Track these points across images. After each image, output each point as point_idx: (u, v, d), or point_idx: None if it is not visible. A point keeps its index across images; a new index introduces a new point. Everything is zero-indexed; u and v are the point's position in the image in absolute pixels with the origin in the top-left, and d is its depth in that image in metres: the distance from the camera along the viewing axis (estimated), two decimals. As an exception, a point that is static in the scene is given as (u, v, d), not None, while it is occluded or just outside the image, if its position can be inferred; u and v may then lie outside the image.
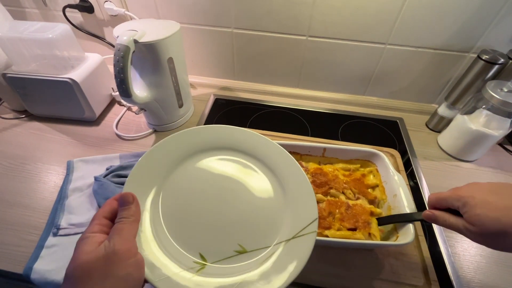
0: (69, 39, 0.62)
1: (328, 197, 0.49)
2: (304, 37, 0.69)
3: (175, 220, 0.33)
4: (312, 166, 0.53)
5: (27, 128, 0.68)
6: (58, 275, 0.44)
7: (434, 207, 0.37)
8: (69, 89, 0.62)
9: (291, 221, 0.34)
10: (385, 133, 0.72)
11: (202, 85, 0.84)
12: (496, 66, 0.58)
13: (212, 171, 0.37)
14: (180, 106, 0.67)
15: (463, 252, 0.50)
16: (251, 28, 0.70)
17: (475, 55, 0.61)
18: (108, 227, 0.27)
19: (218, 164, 0.38)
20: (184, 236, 0.32)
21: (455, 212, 0.34)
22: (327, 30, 0.67)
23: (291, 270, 0.31)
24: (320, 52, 0.71)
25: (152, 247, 0.30)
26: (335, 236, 0.43)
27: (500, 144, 0.69)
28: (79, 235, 0.46)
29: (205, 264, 0.31)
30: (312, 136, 0.69)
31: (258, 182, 0.37)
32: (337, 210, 0.47)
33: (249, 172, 0.38)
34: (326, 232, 0.44)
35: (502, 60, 0.57)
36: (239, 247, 0.33)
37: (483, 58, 0.58)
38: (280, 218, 0.35)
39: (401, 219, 0.43)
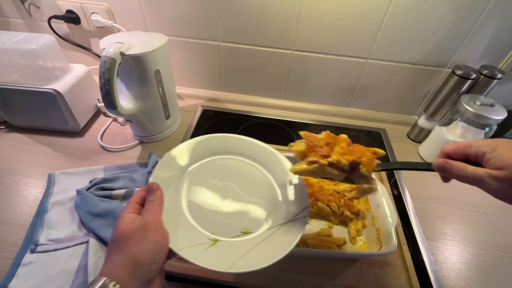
0: (53, 50, 0.61)
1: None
2: (290, 51, 0.71)
3: (193, 206, 0.41)
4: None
5: (7, 139, 0.66)
6: (35, 294, 0.42)
7: (448, 155, 0.33)
8: (53, 100, 0.61)
9: (286, 208, 0.42)
10: (369, 143, 0.74)
11: (189, 96, 0.84)
12: (469, 81, 0.62)
13: (223, 169, 0.46)
14: (167, 117, 0.67)
15: (444, 260, 0.51)
16: (238, 42, 0.72)
17: (450, 70, 0.64)
18: (139, 210, 0.34)
19: (228, 162, 0.47)
20: (200, 218, 0.39)
21: (470, 163, 0.31)
22: (311, 44, 0.69)
23: (289, 243, 0.37)
24: (306, 65, 0.74)
25: (174, 225, 0.36)
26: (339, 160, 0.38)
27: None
28: (59, 252, 0.46)
29: (217, 240, 0.37)
30: (298, 147, 0.70)
31: (260, 178, 0.46)
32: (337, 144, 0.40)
33: (253, 169, 0.47)
34: (324, 160, 0.37)
35: (474, 75, 0.61)
36: (244, 229, 0.40)
37: (457, 73, 0.62)
38: (277, 206, 0.43)
39: (405, 166, 0.38)
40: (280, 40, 0.69)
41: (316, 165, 0.37)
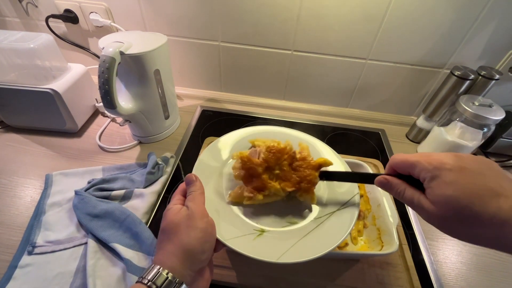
0: (51, 49, 0.60)
1: (272, 142, 0.41)
2: (289, 52, 0.71)
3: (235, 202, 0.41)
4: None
5: (3, 140, 0.65)
6: (32, 297, 0.41)
7: (394, 170, 0.32)
8: (50, 99, 0.60)
9: (334, 197, 0.42)
10: (368, 144, 0.74)
11: (189, 96, 0.84)
12: (468, 82, 0.62)
13: None
14: (166, 117, 0.67)
15: (444, 260, 0.51)
16: (237, 42, 0.71)
17: (448, 71, 0.65)
18: (183, 201, 0.35)
19: None
20: (244, 209, 0.40)
21: (415, 180, 0.29)
22: (311, 45, 0.69)
23: (339, 233, 0.36)
24: (305, 66, 0.74)
25: (220, 217, 0.37)
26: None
27: (475, 154, 0.73)
28: (57, 253, 0.46)
29: (263, 231, 0.37)
30: (298, 147, 0.70)
31: None
32: (278, 164, 0.40)
33: None
34: (260, 196, 0.38)
35: (472, 76, 0.61)
36: (291, 219, 0.39)
37: (455, 74, 0.62)
38: (324, 195, 0.43)
39: (350, 178, 0.39)
40: (279, 40, 0.69)
41: (252, 200, 0.39)
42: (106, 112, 0.70)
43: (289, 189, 0.39)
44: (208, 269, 0.33)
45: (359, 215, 0.47)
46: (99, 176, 0.58)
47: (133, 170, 0.60)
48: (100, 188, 0.53)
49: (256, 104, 0.83)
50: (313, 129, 0.77)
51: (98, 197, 0.51)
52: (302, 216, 0.40)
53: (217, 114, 0.79)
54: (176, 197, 0.36)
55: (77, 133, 0.68)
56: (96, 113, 0.74)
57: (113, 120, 0.73)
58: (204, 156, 0.44)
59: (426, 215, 0.28)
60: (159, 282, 0.27)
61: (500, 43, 0.63)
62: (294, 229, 0.38)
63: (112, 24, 0.70)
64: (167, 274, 0.28)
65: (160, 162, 0.59)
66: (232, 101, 0.83)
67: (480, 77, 0.62)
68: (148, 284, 0.27)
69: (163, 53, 0.58)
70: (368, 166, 0.55)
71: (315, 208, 0.41)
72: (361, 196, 0.53)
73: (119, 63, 0.51)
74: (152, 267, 0.28)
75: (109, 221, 0.48)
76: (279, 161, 0.40)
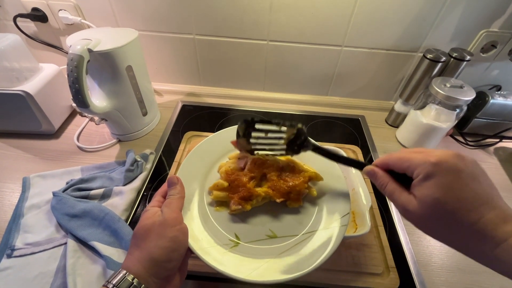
0: (19, 50, 0.59)
1: (258, 155, 0.41)
2: (265, 42, 0.71)
3: (218, 203, 0.40)
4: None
5: (-22, 145, 0.64)
6: (12, 299, 0.41)
7: (388, 165, 0.31)
8: (23, 101, 0.59)
9: (322, 214, 0.39)
10: (348, 131, 0.75)
11: (168, 92, 0.83)
12: (440, 64, 0.63)
13: None
14: (144, 114, 0.66)
15: (419, 239, 0.53)
16: (212, 34, 0.71)
17: (422, 55, 0.66)
18: (162, 203, 0.34)
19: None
20: (223, 219, 0.38)
21: (403, 177, 0.29)
22: (285, 34, 0.69)
23: (319, 257, 0.34)
24: (282, 56, 0.74)
25: (196, 224, 0.37)
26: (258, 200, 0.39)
27: (451, 135, 0.75)
28: (36, 255, 0.46)
29: (239, 243, 0.36)
30: (278, 137, 0.71)
31: None
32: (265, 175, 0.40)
33: None
34: (247, 205, 0.38)
35: (444, 58, 0.62)
36: (270, 232, 0.38)
37: (428, 57, 0.63)
38: (311, 211, 0.40)
39: (342, 161, 0.37)
40: (254, 31, 0.69)
41: (240, 209, 0.38)
42: (82, 112, 0.69)
43: (278, 200, 0.39)
44: (178, 275, 0.33)
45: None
46: (78, 176, 0.58)
47: (112, 168, 0.60)
48: (78, 188, 0.53)
49: (236, 96, 0.82)
50: (293, 118, 0.78)
51: (77, 197, 0.51)
52: (283, 231, 0.38)
53: (198, 108, 0.79)
54: (156, 198, 0.35)
55: (54, 134, 0.68)
56: (74, 113, 0.73)
57: (91, 119, 0.72)
58: (192, 156, 0.42)
59: (404, 211, 0.28)
60: (123, 287, 0.27)
61: (470, 24, 0.64)
62: (269, 244, 0.36)
63: (83, 21, 0.68)
64: (132, 279, 0.28)
65: (139, 159, 0.59)
66: (212, 95, 0.83)
67: (452, 59, 0.63)
68: None
69: (134, 49, 0.57)
70: (343, 152, 0.56)
71: (297, 223, 0.39)
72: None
73: (88, 60, 0.50)
74: (119, 272, 0.29)
75: (88, 220, 0.48)
76: (267, 173, 0.40)
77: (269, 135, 0.38)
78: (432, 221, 0.26)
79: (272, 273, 0.33)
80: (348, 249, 0.48)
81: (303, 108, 0.81)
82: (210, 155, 0.45)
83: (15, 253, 0.46)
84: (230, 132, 0.44)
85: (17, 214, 0.51)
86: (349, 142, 0.70)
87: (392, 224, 0.55)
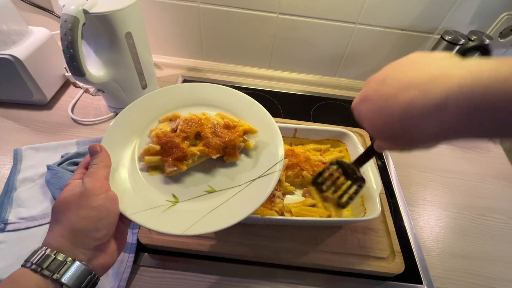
0: (7, 10, 0.54)
1: (190, 115, 0.40)
2: (275, 14, 0.66)
3: (151, 168, 0.38)
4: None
5: (-37, 113, 0.60)
6: (7, 275, 0.40)
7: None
8: (11, 67, 0.54)
9: (259, 163, 0.39)
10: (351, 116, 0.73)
11: (168, 65, 0.78)
12: (458, 47, 0.60)
13: None
14: (144, 87, 0.63)
15: (424, 224, 0.53)
16: (218, 3, 0.66)
17: (439, 36, 0.62)
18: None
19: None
20: (159, 182, 0.37)
21: None
22: (297, 7, 0.64)
23: (257, 202, 0.34)
24: (291, 31, 0.69)
25: (127, 190, 0.35)
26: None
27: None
28: (32, 230, 0.44)
29: (177, 202, 0.36)
30: (284, 117, 0.68)
31: None
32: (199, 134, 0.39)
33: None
34: (183, 165, 0.37)
35: (463, 40, 0.59)
36: (209, 187, 0.37)
37: (446, 38, 0.60)
38: (249, 163, 0.40)
39: (368, 156, 0.42)
40: (264, 1, 0.64)
41: (176, 171, 0.37)
42: (77, 82, 0.65)
43: (214, 156, 0.38)
44: (113, 242, 0.31)
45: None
46: (73, 150, 0.55)
47: (110, 143, 0.56)
48: (74, 162, 0.51)
49: (240, 73, 0.78)
50: (299, 99, 0.75)
51: (72, 172, 0.49)
52: (221, 184, 0.38)
53: (200, 84, 0.75)
54: (78, 170, 0.33)
55: (47, 105, 0.63)
56: (67, 83, 0.69)
57: (86, 91, 0.68)
58: (112, 130, 0.38)
59: (382, 144, 0.36)
60: (45, 264, 0.25)
61: (492, 6, 0.60)
62: (209, 199, 0.36)
63: (76, -19, 0.62)
64: (54, 254, 0.26)
65: (138, 135, 0.56)
66: (215, 71, 0.78)
67: (470, 42, 0.60)
68: (32, 267, 0.25)
69: (134, 14, 0.52)
70: (353, 134, 0.54)
71: (236, 175, 0.39)
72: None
73: (84, 23, 0.46)
74: (37, 250, 0.26)
75: (85, 196, 0.46)
76: (201, 131, 0.39)
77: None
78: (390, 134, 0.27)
79: (210, 224, 0.33)
80: (354, 232, 0.48)
81: (309, 88, 0.78)
82: (137, 121, 0.41)
83: (8, 227, 0.44)
84: (155, 97, 0.43)
85: (9, 187, 0.48)
86: (356, 125, 0.67)
87: (398, 209, 0.54)
